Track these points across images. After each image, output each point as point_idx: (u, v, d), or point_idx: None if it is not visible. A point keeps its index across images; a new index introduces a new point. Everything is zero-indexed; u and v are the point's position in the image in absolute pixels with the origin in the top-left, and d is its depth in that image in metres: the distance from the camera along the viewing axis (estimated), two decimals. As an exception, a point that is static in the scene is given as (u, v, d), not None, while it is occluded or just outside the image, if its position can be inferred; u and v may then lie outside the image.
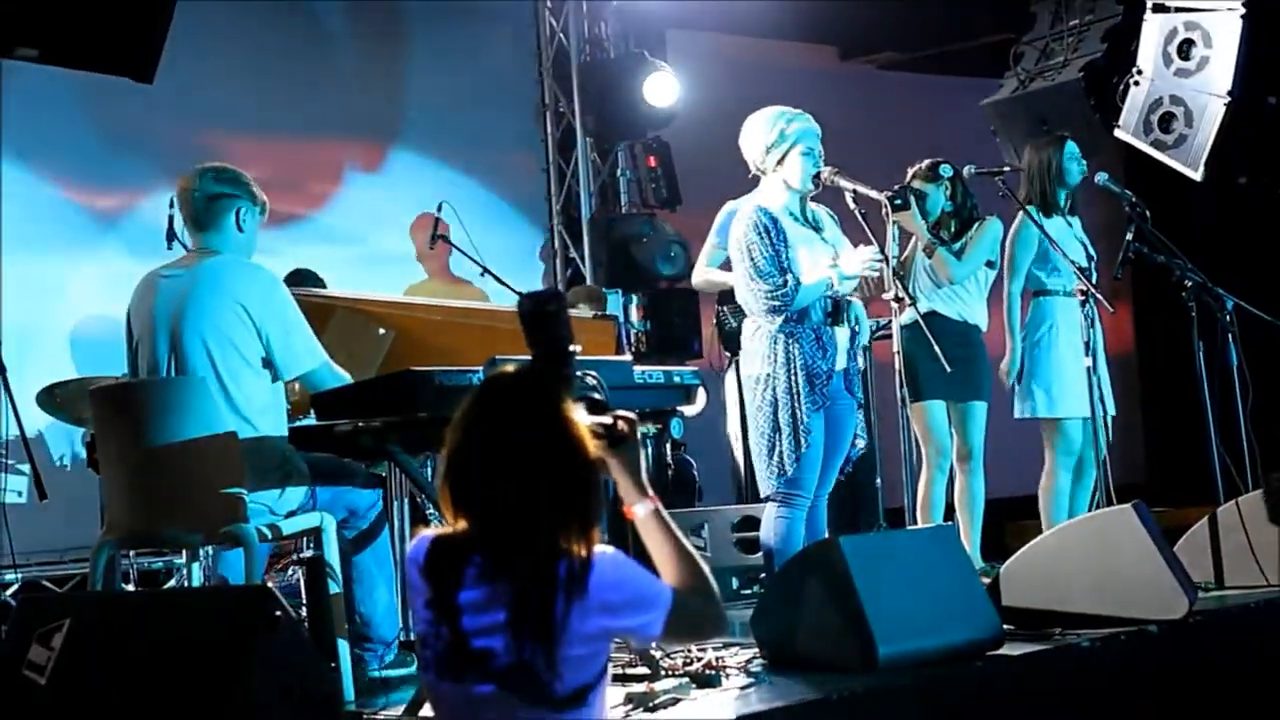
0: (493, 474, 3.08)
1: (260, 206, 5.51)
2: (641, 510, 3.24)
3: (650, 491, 3.25)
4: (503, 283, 8.53)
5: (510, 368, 3.18)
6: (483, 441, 3.10)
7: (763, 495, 5.94)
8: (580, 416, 3.14)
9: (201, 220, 5.41)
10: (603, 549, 3.12)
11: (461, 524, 3.12)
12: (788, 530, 5.80)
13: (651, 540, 3.24)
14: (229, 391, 5.21)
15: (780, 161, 5.94)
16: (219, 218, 5.41)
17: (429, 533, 3.18)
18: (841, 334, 5.94)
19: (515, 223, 10.25)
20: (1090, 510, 7.21)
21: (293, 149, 9.15)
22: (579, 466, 3.10)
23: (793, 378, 5.78)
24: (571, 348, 3.27)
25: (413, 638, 6.00)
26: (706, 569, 3.24)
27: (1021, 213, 7.34)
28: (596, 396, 3.22)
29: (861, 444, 6.07)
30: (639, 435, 3.25)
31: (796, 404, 5.77)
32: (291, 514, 5.22)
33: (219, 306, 5.24)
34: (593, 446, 3.13)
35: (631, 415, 3.23)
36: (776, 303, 5.80)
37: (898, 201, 6.12)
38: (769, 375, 5.83)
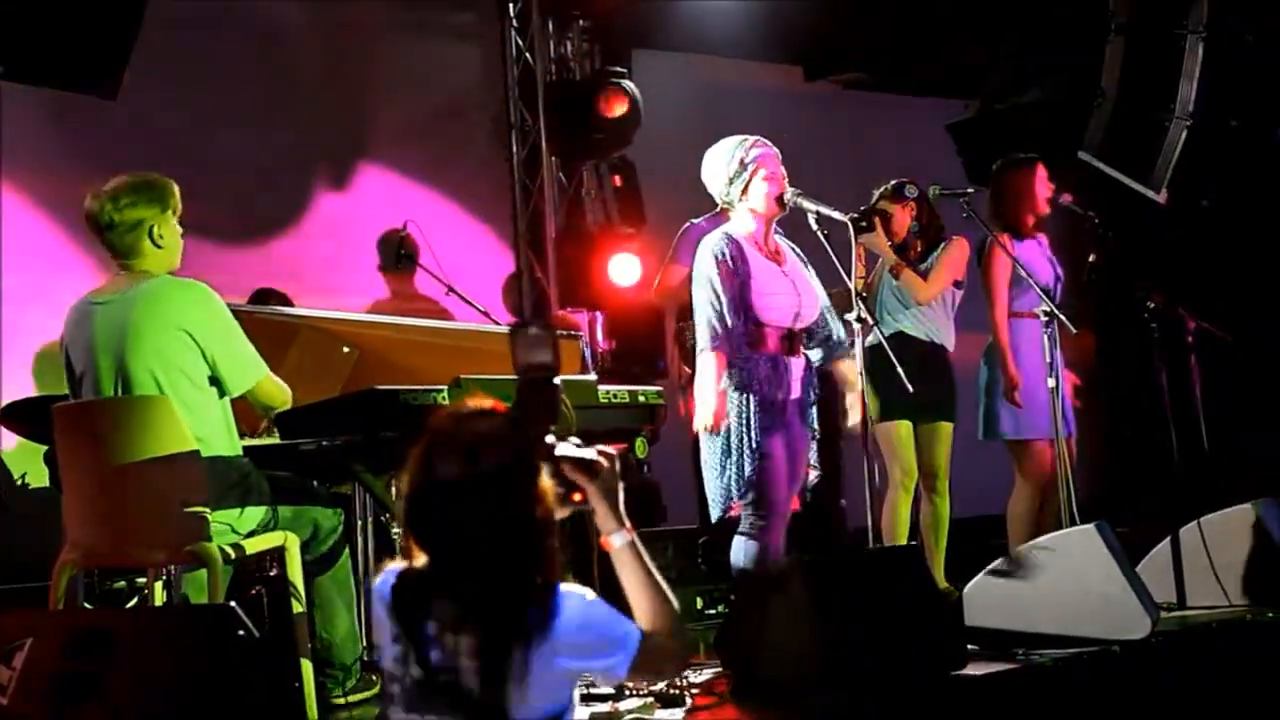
0: (456, 514, 3.06)
1: (172, 208, 5.31)
2: (618, 540, 3.23)
3: (627, 523, 3.25)
4: (468, 301, 8.54)
5: (475, 404, 3.18)
6: (438, 480, 3.08)
7: (712, 519, 5.90)
8: (565, 449, 3.15)
9: (118, 249, 5.27)
10: (570, 588, 3.12)
11: (422, 559, 3.11)
12: (759, 553, 5.77)
13: (624, 572, 3.24)
14: (188, 405, 5.16)
15: (744, 191, 5.94)
16: (135, 244, 5.25)
17: (395, 566, 3.17)
18: (796, 364, 5.94)
19: (481, 241, 10.23)
20: (1054, 530, 7.24)
21: (259, 166, 9.12)
22: (541, 510, 3.10)
23: (746, 402, 5.77)
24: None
25: (374, 658, 6.02)
26: (675, 605, 3.24)
27: (991, 237, 7.35)
28: (577, 441, 3.22)
29: (814, 475, 6.05)
30: (618, 468, 3.26)
31: (748, 428, 5.75)
32: (252, 533, 5.20)
33: (163, 334, 5.14)
34: (550, 492, 3.13)
35: (611, 450, 3.24)
36: (715, 342, 5.82)
37: (862, 224, 6.12)
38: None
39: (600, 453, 3.22)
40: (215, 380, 5.20)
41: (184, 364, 5.14)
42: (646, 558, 3.25)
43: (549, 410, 3.24)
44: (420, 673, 3.07)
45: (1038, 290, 6.96)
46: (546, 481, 3.13)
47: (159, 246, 5.28)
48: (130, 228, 5.24)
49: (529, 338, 3.30)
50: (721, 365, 5.78)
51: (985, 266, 7.45)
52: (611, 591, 3.25)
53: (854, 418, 5.98)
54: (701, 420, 5.79)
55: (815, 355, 6.07)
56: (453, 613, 3.06)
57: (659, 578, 3.24)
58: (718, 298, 5.80)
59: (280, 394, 5.33)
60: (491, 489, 3.07)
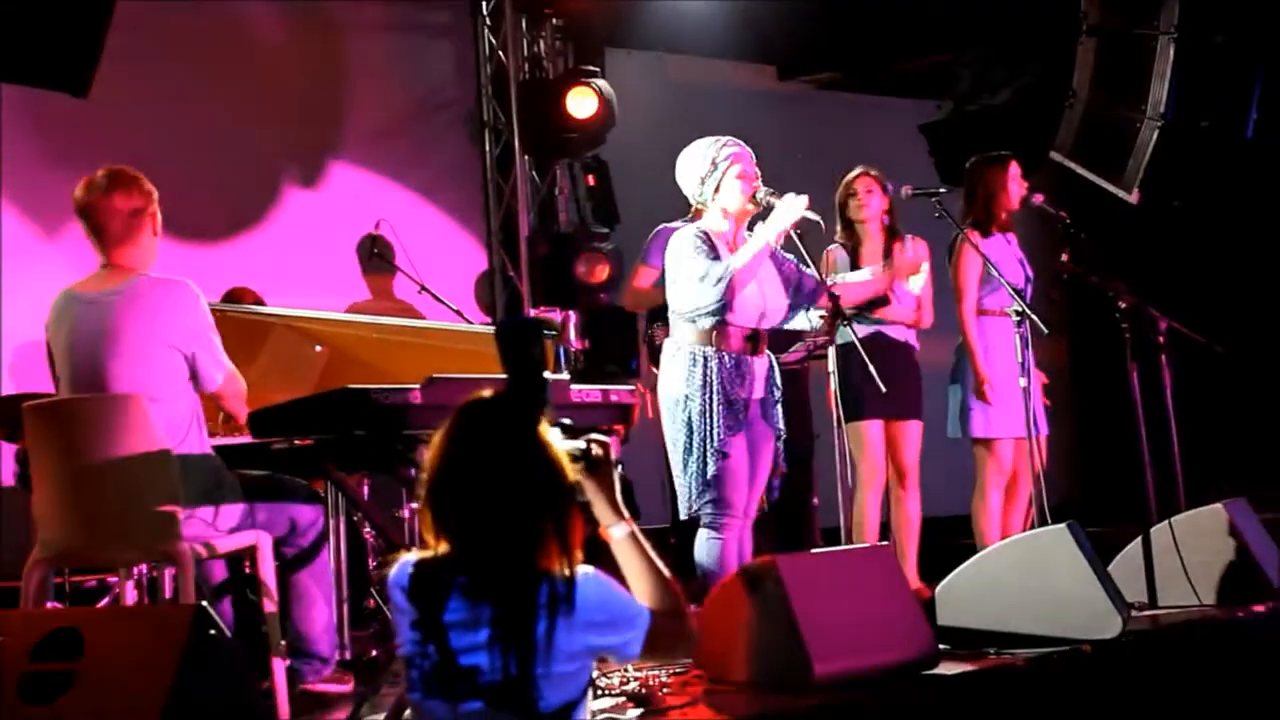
0: (473, 497, 3.13)
1: (157, 203, 5.33)
2: (617, 532, 3.31)
3: (625, 513, 3.31)
4: (440, 300, 8.52)
5: (487, 392, 3.21)
6: (462, 465, 3.15)
7: (681, 516, 5.95)
8: (556, 440, 3.17)
9: (120, 237, 5.24)
10: (585, 569, 3.17)
11: (443, 546, 3.17)
12: (720, 551, 5.82)
13: (626, 561, 3.32)
14: (163, 404, 5.13)
15: (716, 189, 5.97)
16: (139, 233, 5.27)
17: (411, 556, 3.23)
18: (760, 363, 5.97)
19: (454, 240, 10.21)
20: (1024, 530, 7.26)
21: (230, 164, 9.09)
22: (557, 488, 3.16)
23: (709, 401, 5.81)
24: (547, 373, 3.33)
25: (349, 657, 6.01)
26: (679, 590, 3.30)
27: (960, 234, 7.38)
28: (568, 421, 3.26)
29: (777, 478, 6.08)
30: (612, 456, 3.30)
31: (711, 426, 5.79)
32: (231, 531, 5.18)
33: (143, 336, 5.14)
34: (570, 469, 3.17)
35: (605, 439, 3.28)
36: (721, 285, 5.79)
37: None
38: (686, 397, 5.85)
39: (593, 442, 3.25)
40: (192, 378, 5.20)
41: (163, 364, 5.14)
42: (647, 546, 3.32)
43: (534, 364, 3.29)
44: (440, 658, 3.13)
45: (1008, 288, 6.98)
46: (564, 456, 3.18)
47: (155, 234, 5.31)
48: (140, 214, 5.25)
49: (518, 333, 3.34)
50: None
51: (954, 264, 7.48)
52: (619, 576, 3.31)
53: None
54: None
55: (814, 319, 6.13)
56: (473, 596, 3.12)
57: (661, 565, 3.31)
58: (698, 267, 5.81)
59: (242, 395, 5.32)
60: (516, 468, 3.13)
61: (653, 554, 3.31)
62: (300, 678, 5.33)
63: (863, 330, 6.66)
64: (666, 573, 3.30)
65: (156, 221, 5.33)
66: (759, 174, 6.01)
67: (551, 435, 3.20)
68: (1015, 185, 7.54)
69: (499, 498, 3.12)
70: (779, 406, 6.05)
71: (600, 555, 3.29)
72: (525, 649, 3.09)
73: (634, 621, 3.20)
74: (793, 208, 5.83)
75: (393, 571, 3.23)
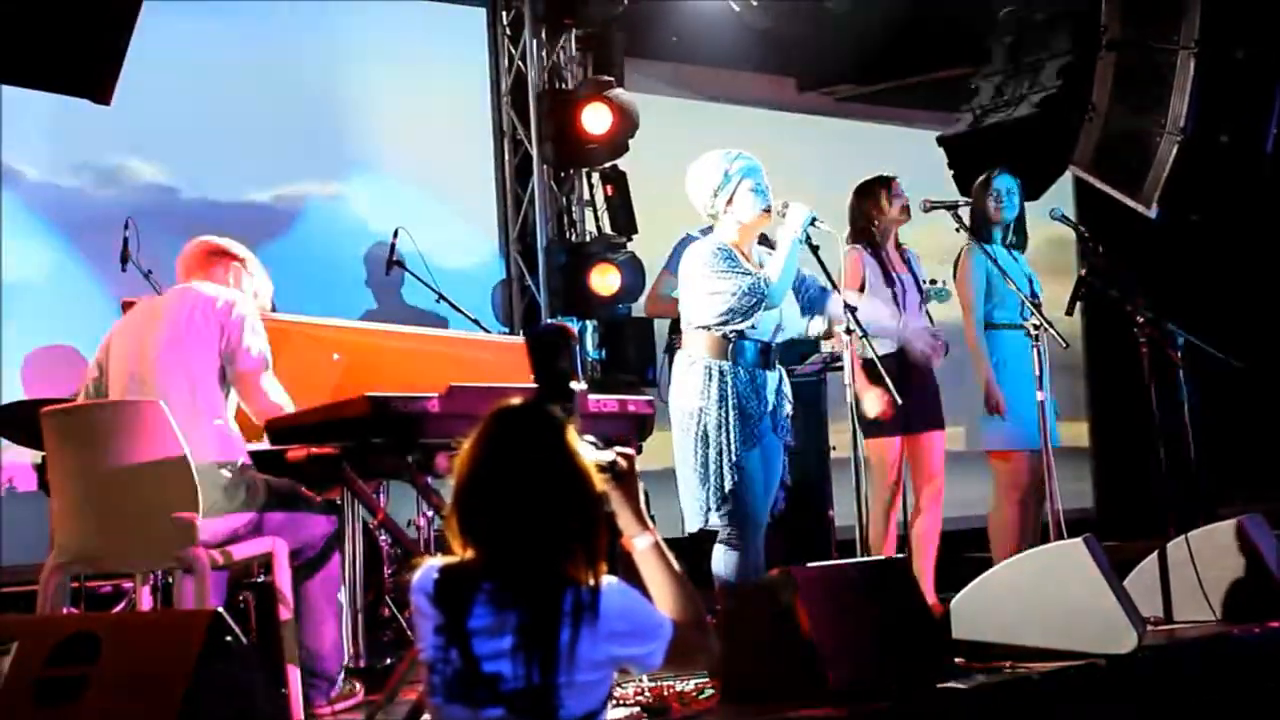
0: (502, 504, 3.15)
1: (255, 290, 5.63)
2: (641, 543, 3.33)
3: (650, 524, 3.33)
4: (458, 309, 8.54)
5: (517, 400, 3.24)
6: (491, 472, 3.18)
7: (687, 530, 5.93)
8: (584, 449, 3.19)
9: (195, 268, 5.53)
10: (609, 579, 3.19)
11: (469, 552, 3.19)
12: (739, 562, 5.81)
13: (650, 572, 3.33)
14: (199, 404, 5.18)
15: (730, 201, 5.96)
16: (214, 268, 5.53)
17: (436, 561, 3.24)
18: (772, 376, 5.96)
19: (472, 250, 10.22)
20: (1039, 543, 7.25)
21: (250, 173, 9.11)
22: (586, 497, 3.19)
23: (725, 415, 5.80)
24: (573, 383, 3.36)
25: (363, 665, 6.01)
26: (701, 602, 3.32)
27: (967, 246, 7.40)
28: (591, 438, 3.29)
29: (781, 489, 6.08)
30: (637, 470, 3.33)
31: (728, 440, 5.78)
32: (238, 538, 5.18)
33: (198, 321, 5.26)
34: (598, 478, 3.20)
35: (630, 450, 3.31)
36: (754, 298, 5.79)
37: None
38: (700, 409, 5.83)
39: (619, 454, 3.28)
40: (226, 366, 5.27)
41: (211, 350, 5.24)
42: (671, 557, 3.33)
43: (563, 373, 3.33)
44: (463, 663, 3.14)
45: (1024, 299, 6.98)
46: (591, 465, 3.21)
47: (229, 286, 5.52)
48: (223, 255, 5.61)
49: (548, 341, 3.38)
50: None
51: (957, 277, 7.50)
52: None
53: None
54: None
55: (814, 327, 6.13)
56: (498, 603, 3.13)
57: (684, 577, 3.33)
58: (728, 273, 5.81)
59: (274, 398, 5.33)
60: (546, 476, 3.16)
61: (676, 565, 3.33)
62: (309, 703, 5.34)
63: (882, 348, 6.59)
64: (689, 584, 3.32)
65: (239, 275, 5.61)
66: (771, 186, 6.00)
67: (581, 444, 3.22)
68: (994, 200, 7.54)
69: (528, 505, 3.14)
70: (789, 419, 6.05)
71: (622, 566, 3.30)
72: (549, 657, 3.10)
73: (657, 632, 3.22)
74: (803, 211, 5.84)
75: (416, 576, 3.25)
